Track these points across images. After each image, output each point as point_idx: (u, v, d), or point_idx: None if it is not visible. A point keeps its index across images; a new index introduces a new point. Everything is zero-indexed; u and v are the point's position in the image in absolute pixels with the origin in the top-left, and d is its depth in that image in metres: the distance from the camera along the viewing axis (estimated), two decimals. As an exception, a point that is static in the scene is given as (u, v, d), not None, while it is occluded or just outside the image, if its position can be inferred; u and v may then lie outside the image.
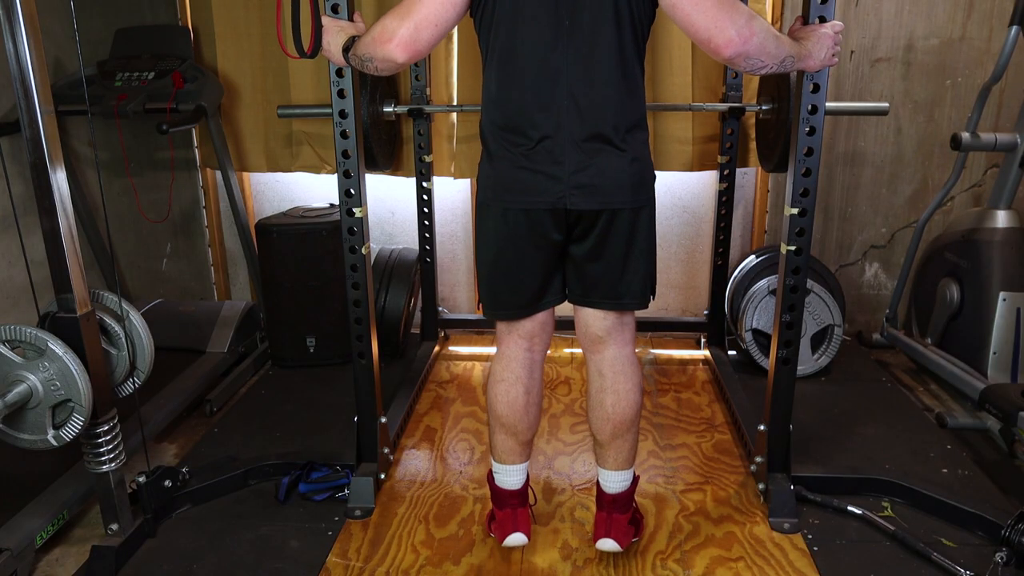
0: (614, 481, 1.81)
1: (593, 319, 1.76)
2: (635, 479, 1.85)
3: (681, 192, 3.19)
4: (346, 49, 1.67)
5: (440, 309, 3.24)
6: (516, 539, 1.81)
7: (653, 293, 1.76)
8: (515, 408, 1.78)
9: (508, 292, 1.73)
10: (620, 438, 1.78)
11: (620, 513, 1.81)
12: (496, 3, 1.53)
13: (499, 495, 1.85)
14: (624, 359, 1.78)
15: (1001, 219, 2.59)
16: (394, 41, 1.52)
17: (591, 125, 1.57)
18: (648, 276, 1.73)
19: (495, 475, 1.85)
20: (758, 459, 2.12)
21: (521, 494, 1.85)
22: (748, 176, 3.18)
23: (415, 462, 2.32)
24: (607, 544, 1.79)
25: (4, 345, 1.64)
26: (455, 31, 2.92)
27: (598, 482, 1.85)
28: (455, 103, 3.02)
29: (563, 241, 1.67)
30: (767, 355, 2.59)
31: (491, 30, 1.57)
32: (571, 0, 1.50)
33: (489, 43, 1.59)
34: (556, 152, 1.58)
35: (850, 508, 1.99)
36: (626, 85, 1.57)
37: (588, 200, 1.60)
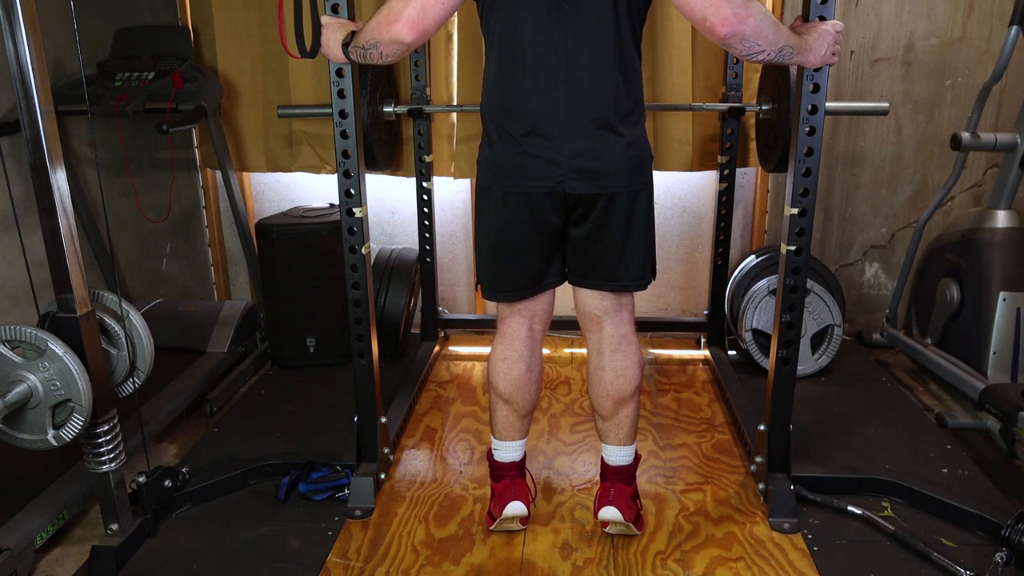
0: (616, 454, 1.86)
1: (591, 299, 1.80)
2: (636, 457, 1.89)
3: (681, 192, 3.19)
4: (345, 44, 1.68)
5: (440, 309, 3.24)
6: (515, 508, 1.84)
7: (654, 274, 1.80)
8: (517, 385, 1.83)
9: (508, 274, 1.77)
10: (620, 412, 1.82)
11: (623, 484, 1.85)
12: None
13: (497, 468, 1.90)
14: (621, 338, 1.82)
15: (1001, 219, 2.59)
16: (401, 21, 1.53)
17: (589, 109, 1.59)
18: (647, 257, 1.76)
19: (494, 452, 1.91)
20: (758, 459, 2.12)
21: (519, 466, 1.90)
22: (748, 176, 3.18)
23: (415, 462, 2.32)
24: (609, 512, 1.82)
25: (4, 345, 1.64)
26: (455, 30, 2.92)
27: (601, 459, 1.90)
28: (455, 103, 3.02)
29: (562, 224, 1.70)
30: (767, 355, 2.59)
31: (492, 14, 1.59)
32: None
33: (490, 27, 1.61)
34: (555, 136, 1.60)
35: (850, 508, 1.99)
36: (623, 69, 1.59)
37: (587, 184, 1.62)
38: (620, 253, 1.71)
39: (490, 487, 1.96)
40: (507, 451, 1.90)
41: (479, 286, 1.85)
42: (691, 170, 3.03)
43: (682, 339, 3.26)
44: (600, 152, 1.61)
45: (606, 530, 1.92)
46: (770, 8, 2.93)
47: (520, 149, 1.63)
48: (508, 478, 1.89)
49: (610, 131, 1.61)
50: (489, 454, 1.94)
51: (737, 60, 2.78)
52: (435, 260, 3.15)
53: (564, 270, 1.82)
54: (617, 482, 1.86)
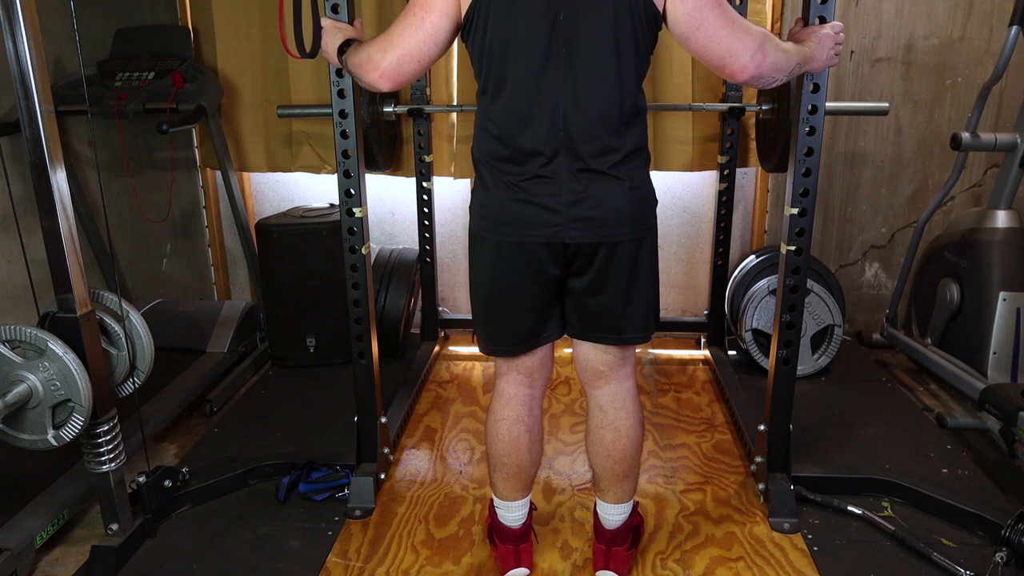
0: (613, 515, 1.75)
1: (594, 354, 1.69)
2: (634, 506, 1.79)
3: (681, 192, 3.19)
4: (341, 51, 1.66)
5: (440, 309, 3.24)
6: (518, 573, 1.80)
7: (657, 324, 1.69)
8: (517, 448, 1.72)
9: (504, 328, 1.66)
10: (621, 477, 1.72)
11: (619, 546, 1.77)
12: (489, 32, 1.47)
13: (501, 532, 1.80)
14: (625, 394, 1.71)
15: (1001, 219, 2.59)
16: (378, 72, 1.52)
17: (589, 156, 1.50)
18: (651, 308, 1.65)
19: (496, 510, 1.80)
20: (758, 459, 2.12)
21: (524, 533, 1.80)
22: (748, 176, 3.18)
23: (415, 462, 2.32)
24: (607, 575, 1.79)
25: (4, 345, 1.64)
26: (455, 31, 2.92)
27: (596, 512, 1.79)
28: (455, 103, 3.02)
29: (561, 275, 1.59)
30: (767, 355, 2.59)
31: (484, 59, 1.51)
32: (567, 31, 1.45)
33: (483, 71, 1.53)
34: (553, 183, 1.51)
35: (850, 508, 1.99)
36: (624, 114, 1.51)
37: (587, 233, 1.52)
38: (623, 305, 1.61)
39: (493, 540, 1.85)
40: (510, 511, 1.77)
41: (476, 339, 1.75)
42: (691, 170, 3.03)
43: (682, 339, 3.26)
44: (601, 199, 1.51)
45: None
46: (770, 9, 2.93)
47: (515, 196, 1.53)
48: (513, 545, 1.79)
49: (611, 177, 1.52)
50: (491, 507, 1.82)
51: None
52: (435, 260, 3.15)
53: (563, 323, 1.70)
54: (613, 546, 1.77)
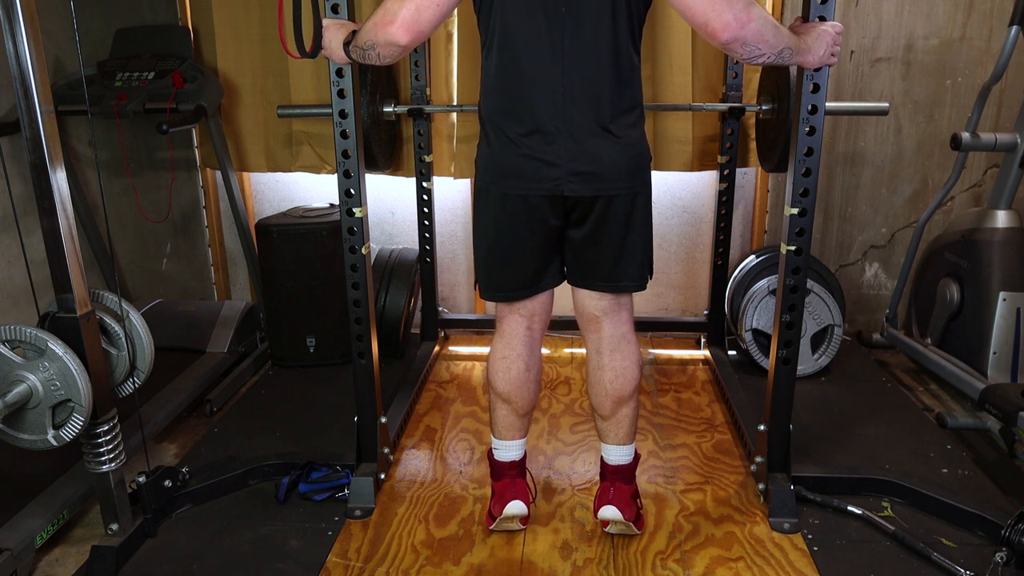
0: (616, 453, 1.87)
1: (589, 300, 1.80)
2: (636, 456, 1.90)
3: (681, 192, 3.19)
4: (347, 43, 1.68)
5: (440, 309, 3.24)
6: (515, 507, 1.85)
7: (651, 274, 1.80)
8: (516, 384, 1.84)
9: (506, 275, 1.77)
10: (619, 412, 1.83)
11: (623, 483, 1.85)
12: None
13: (498, 468, 1.91)
14: (620, 337, 1.82)
15: (1001, 219, 2.59)
16: (396, 23, 1.53)
17: (587, 111, 1.59)
18: (645, 258, 1.76)
19: (494, 451, 1.92)
20: (758, 459, 2.12)
21: (519, 465, 1.91)
22: (748, 176, 3.18)
23: (415, 462, 2.32)
24: (609, 511, 1.83)
25: (4, 345, 1.64)
26: (455, 30, 2.92)
27: (601, 458, 1.90)
28: (455, 103, 3.02)
29: (561, 226, 1.70)
30: (767, 355, 2.59)
31: (490, 15, 1.59)
32: None
33: (488, 28, 1.61)
34: (553, 138, 1.60)
35: (850, 508, 1.99)
36: (621, 71, 1.59)
37: (585, 187, 1.62)
38: (619, 255, 1.72)
39: (490, 486, 1.97)
40: (507, 450, 1.91)
41: (477, 285, 1.85)
42: (691, 170, 3.03)
43: (682, 339, 3.26)
44: (598, 155, 1.61)
45: (606, 529, 1.92)
46: (770, 9, 2.93)
47: (518, 151, 1.62)
48: (508, 477, 1.90)
49: (608, 133, 1.61)
50: (489, 453, 1.95)
51: (737, 60, 2.78)
52: (435, 260, 3.15)
53: (562, 271, 1.82)
54: (616, 481, 1.87)
